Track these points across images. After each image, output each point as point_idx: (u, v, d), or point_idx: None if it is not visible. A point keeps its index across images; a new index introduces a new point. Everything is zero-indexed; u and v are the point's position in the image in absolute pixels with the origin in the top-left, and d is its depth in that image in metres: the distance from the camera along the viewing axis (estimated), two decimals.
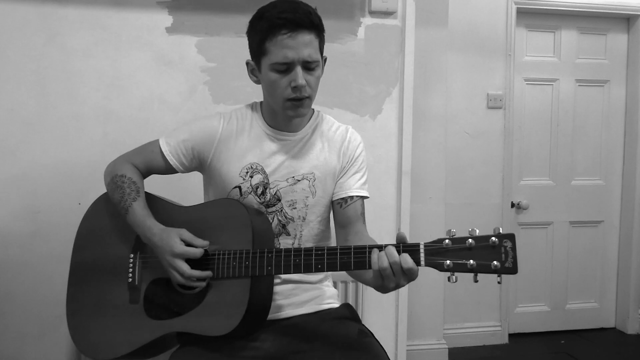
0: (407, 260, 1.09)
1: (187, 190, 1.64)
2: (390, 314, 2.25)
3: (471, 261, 1.07)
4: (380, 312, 2.21)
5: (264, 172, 1.38)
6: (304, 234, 1.41)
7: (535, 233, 3.40)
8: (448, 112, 2.86)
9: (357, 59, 2.15)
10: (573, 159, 3.43)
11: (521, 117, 3.32)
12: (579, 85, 3.40)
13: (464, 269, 1.08)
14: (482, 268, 1.07)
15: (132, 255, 1.40)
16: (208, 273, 1.27)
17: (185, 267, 1.26)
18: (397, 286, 1.12)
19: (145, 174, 1.45)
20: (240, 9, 1.84)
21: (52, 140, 1.93)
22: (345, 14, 2.13)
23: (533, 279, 3.41)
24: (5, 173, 1.91)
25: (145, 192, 1.42)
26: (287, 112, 1.33)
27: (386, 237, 2.15)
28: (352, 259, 1.16)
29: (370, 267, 1.13)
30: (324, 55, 1.35)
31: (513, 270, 1.06)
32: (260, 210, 1.38)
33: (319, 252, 1.19)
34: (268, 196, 1.38)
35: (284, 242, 1.40)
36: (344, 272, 1.26)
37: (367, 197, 1.45)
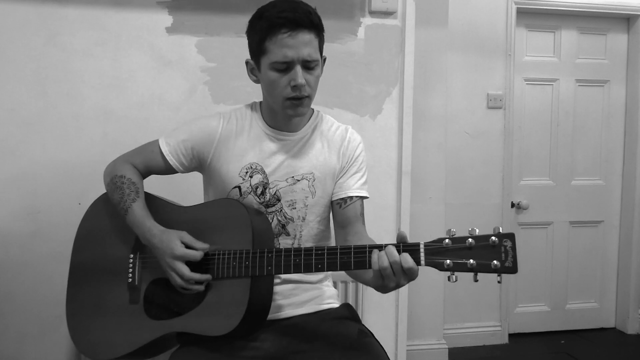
0: (407, 259, 1.09)
1: (187, 190, 1.64)
2: (390, 314, 2.25)
3: (471, 261, 1.07)
4: (380, 312, 2.21)
5: (264, 172, 1.38)
6: (304, 234, 1.41)
7: (535, 233, 3.40)
8: (448, 112, 2.86)
9: (357, 59, 2.15)
10: (573, 159, 3.43)
11: (521, 117, 3.32)
12: (579, 85, 3.40)
13: (464, 268, 1.08)
14: (482, 267, 1.07)
15: (131, 256, 1.40)
16: (207, 276, 1.27)
17: (185, 269, 1.26)
18: (397, 286, 1.12)
19: (144, 174, 1.45)
20: (240, 9, 1.84)
21: (52, 140, 1.93)
22: (345, 14, 2.13)
23: (533, 279, 3.41)
24: (5, 173, 1.91)
25: (145, 193, 1.42)
26: (286, 111, 1.32)
27: (386, 237, 2.14)
28: (352, 259, 1.16)
29: (370, 267, 1.13)
30: (323, 55, 1.35)
31: (513, 269, 1.06)
32: (260, 210, 1.38)
33: (319, 252, 1.19)
34: (268, 196, 1.38)
35: (284, 242, 1.40)
36: (344, 272, 1.26)
37: (366, 198, 1.45)
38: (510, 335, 3.34)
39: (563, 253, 3.46)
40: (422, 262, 1.10)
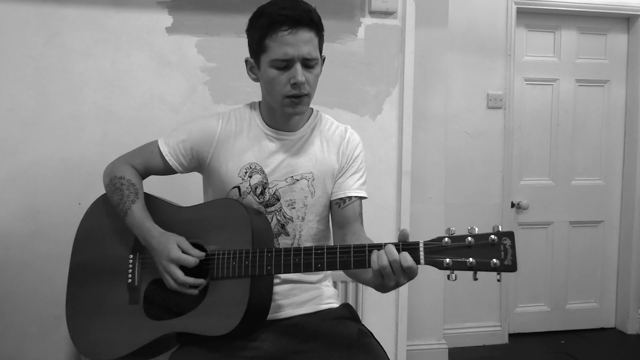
0: (406, 258, 1.09)
1: (187, 190, 1.64)
2: (390, 314, 2.25)
3: (470, 259, 1.07)
4: (380, 312, 2.21)
5: (263, 172, 1.38)
6: (303, 234, 1.41)
7: (535, 233, 3.40)
8: (448, 112, 2.86)
9: (357, 59, 2.15)
10: (573, 159, 3.43)
11: (521, 117, 3.32)
12: (579, 85, 3.40)
13: (464, 267, 1.08)
14: (482, 266, 1.07)
15: (131, 256, 1.40)
16: (201, 281, 1.27)
17: (179, 273, 1.26)
18: (397, 285, 1.12)
19: (144, 175, 1.45)
20: (240, 9, 1.84)
21: (52, 140, 1.93)
22: (345, 14, 2.13)
23: (533, 279, 3.41)
24: (5, 173, 1.91)
25: (145, 193, 1.42)
26: (285, 109, 1.32)
27: (386, 237, 2.14)
28: (351, 258, 1.16)
29: (369, 266, 1.13)
30: (323, 55, 1.35)
31: (512, 267, 1.06)
32: (259, 210, 1.38)
33: (319, 251, 1.19)
34: (267, 196, 1.38)
35: (283, 242, 1.40)
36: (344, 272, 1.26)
37: (365, 198, 1.45)
38: (510, 335, 3.34)
39: (563, 253, 3.46)
40: (422, 260, 1.10)
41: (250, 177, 1.38)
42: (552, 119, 3.39)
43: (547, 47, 3.35)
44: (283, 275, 1.38)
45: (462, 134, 3.15)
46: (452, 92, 3.04)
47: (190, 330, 1.27)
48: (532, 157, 3.37)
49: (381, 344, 1.35)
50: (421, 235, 1.16)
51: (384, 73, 2.18)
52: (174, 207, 1.43)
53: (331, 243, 1.49)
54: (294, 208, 1.39)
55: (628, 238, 3.45)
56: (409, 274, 1.10)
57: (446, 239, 1.09)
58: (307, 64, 1.29)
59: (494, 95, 3.17)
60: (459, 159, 3.13)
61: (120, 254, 1.41)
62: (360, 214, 1.44)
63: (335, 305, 1.47)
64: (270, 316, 1.31)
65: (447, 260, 1.08)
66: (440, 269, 1.09)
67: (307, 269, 1.20)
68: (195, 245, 1.30)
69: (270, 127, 1.41)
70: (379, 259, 1.11)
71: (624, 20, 3.41)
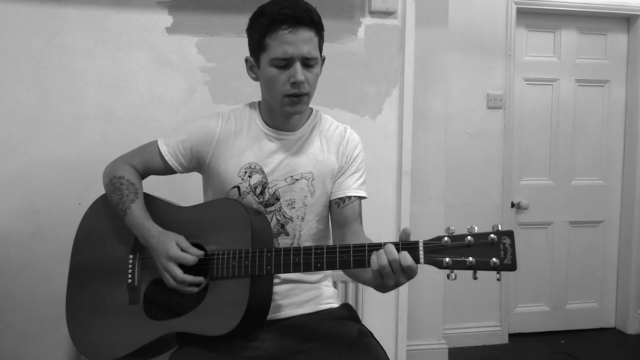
0: (406, 258, 1.09)
1: (187, 190, 1.64)
2: (390, 314, 2.25)
3: (470, 258, 1.07)
4: (380, 312, 2.21)
5: (263, 172, 1.38)
6: (303, 234, 1.41)
7: (535, 233, 3.40)
8: (448, 112, 2.86)
9: (357, 59, 2.15)
10: (573, 159, 3.43)
11: (521, 117, 3.32)
12: (579, 85, 3.40)
13: (463, 266, 1.08)
14: (481, 265, 1.07)
15: (131, 256, 1.40)
16: (200, 278, 1.27)
17: (178, 271, 1.26)
18: (397, 284, 1.12)
19: (144, 175, 1.46)
20: (240, 9, 1.84)
21: (52, 140, 1.93)
22: (345, 14, 2.13)
23: (533, 279, 3.41)
24: (5, 173, 1.91)
25: (144, 193, 1.42)
26: (285, 108, 1.33)
27: (386, 237, 2.12)
28: (351, 258, 1.16)
29: (369, 266, 1.13)
30: (323, 55, 1.36)
31: (512, 267, 1.06)
32: (259, 210, 1.38)
33: (319, 251, 1.19)
34: (267, 196, 1.38)
35: (283, 242, 1.40)
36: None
37: (364, 198, 1.45)
38: (510, 335, 3.34)
39: (563, 253, 3.46)
40: (421, 260, 1.10)
41: (249, 176, 1.38)
42: (552, 119, 3.39)
43: (547, 47, 3.35)
44: (283, 275, 1.38)
45: (462, 134, 3.15)
46: (452, 92, 3.04)
47: (190, 330, 1.27)
48: (532, 157, 3.37)
49: (381, 344, 1.35)
50: (421, 236, 1.16)
51: (384, 73, 2.18)
52: (173, 207, 1.43)
53: (331, 243, 1.49)
54: (294, 208, 1.39)
55: (628, 238, 3.44)
56: (409, 274, 1.10)
57: (446, 238, 1.09)
58: (307, 63, 1.29)
59: (494, 95, 3.17)
60: (459, 159, 3.13)
61: (120, 254, 1.41)
62: (360, 213, 1.44)
63: (335, 305, 1.47)
64: (270, 316, 1.31)
65: (447, 259, 1.08)
66: (439, 268, 1.09)
67: (307, 268, 1.20)
68: (195, 245, 1.30)
69: (270, 126, 1.41)
70: (378, 258, 1.11)
71: (624, 20, 3.41)
